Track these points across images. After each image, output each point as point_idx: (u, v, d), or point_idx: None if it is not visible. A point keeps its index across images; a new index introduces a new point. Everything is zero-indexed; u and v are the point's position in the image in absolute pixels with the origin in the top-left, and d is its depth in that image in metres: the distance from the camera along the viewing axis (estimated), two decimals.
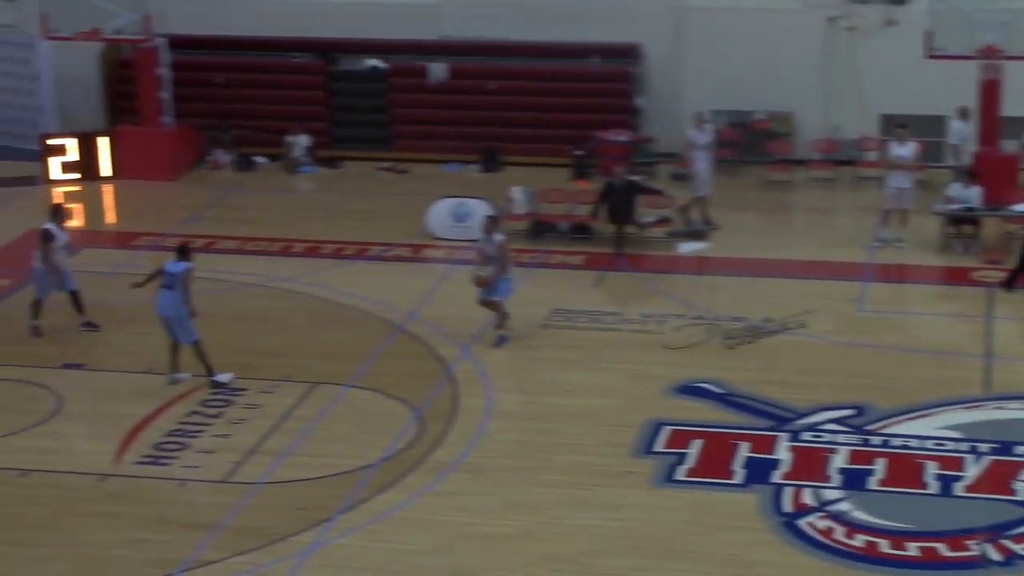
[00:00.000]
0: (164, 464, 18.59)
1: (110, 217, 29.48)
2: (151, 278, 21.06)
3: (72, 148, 30.54)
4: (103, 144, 30.69)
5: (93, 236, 27.75)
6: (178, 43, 31.51)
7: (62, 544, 16.76)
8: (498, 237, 21.88)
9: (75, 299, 22.50)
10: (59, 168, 30.52)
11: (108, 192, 30.25)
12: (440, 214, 27.04)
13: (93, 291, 21.08)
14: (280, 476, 18.27)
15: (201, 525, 17.07)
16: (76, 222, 28.69)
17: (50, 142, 30.71)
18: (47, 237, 22.18)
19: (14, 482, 18.21)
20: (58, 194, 29.55)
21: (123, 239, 27.04)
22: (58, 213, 22.71)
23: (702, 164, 27.12)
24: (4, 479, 18.26)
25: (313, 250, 26.47)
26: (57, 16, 30.33)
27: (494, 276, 21.76)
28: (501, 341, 21.89)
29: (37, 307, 22.42)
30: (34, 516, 17.37)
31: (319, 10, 32.10)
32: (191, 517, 17.30)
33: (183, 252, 20.71)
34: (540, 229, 26.85)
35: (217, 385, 20.50)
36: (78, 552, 16.60)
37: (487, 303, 21.93)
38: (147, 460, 18.71)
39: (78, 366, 21.33)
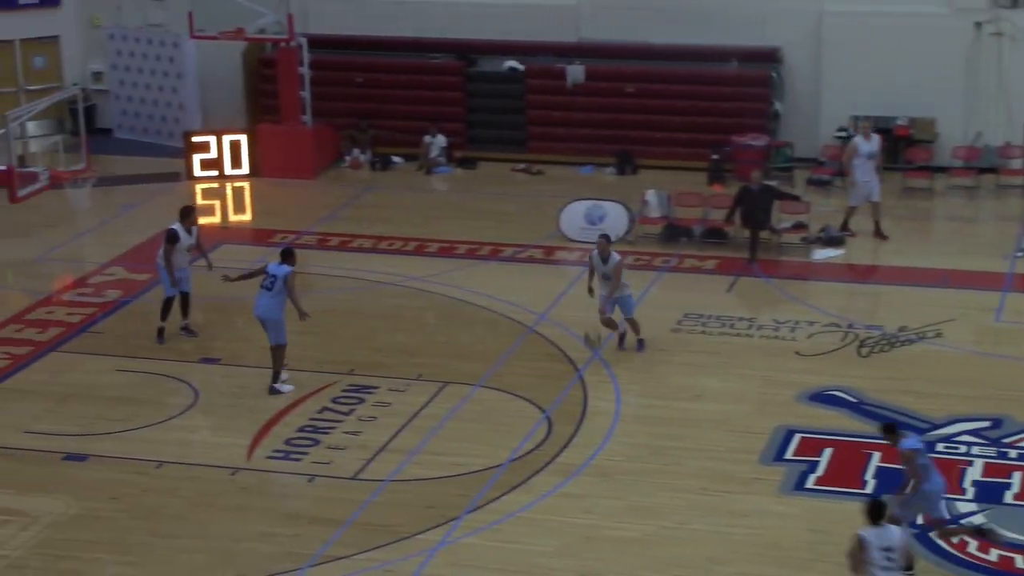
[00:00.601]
0: (295, 459, 18.83)
1: (248, 214, 29.89)
2: (246, 276, 21.18)
3: (213, 145, 31.02)
4: (243, 142, 31.13)
5: (231, 232, 28.21)
6: (319, 43, 31.87)
7: (196, 535, 17.06)
8: (615, 257, 21.49)
9: (184, 301, 22.55)
10: (200, 165, 31.01)
11: (247, 189, 30.68)
12: (574, 216, 27.02)
13: (229, 287, 21.32)
14: (409, 474, 18.41)
15: (330, 521, 17.26)
16: (215, 218, 29.29)
17: (193, 139, 31.23)
18: (172, 237, 22.17)
19: (151, 473, 18.57)
20: (192, 194, 30.07)
21: (260, 236, 27.41)
22: (187, 215, 22.57)
23: (862, 173, 26.64)
24: (142, 470, 18.64)
25: (447, 250, 26.60)
26: (203, 16, 30.85)
27: (614, 295, 21.43)
28: (641, 345, 21.83)
29: (167, 309, 22.45)
30: (171, 507, 17.70)
31: (458, 11, 32.25)
32: (320, 512, 17.50)
33: (287, 255, 20.71)
34: (674, 233, 26.73)
35: (274, 392, 20.63)
36: (211, 544, 16.88)
37: (631, 322, 21.76)
38: (279, 455, 18.97)
39: (215, 361, 21.65)
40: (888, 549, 14.13)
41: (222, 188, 30.67)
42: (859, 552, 14.18)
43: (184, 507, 17.71)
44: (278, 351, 20.63)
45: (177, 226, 22.33)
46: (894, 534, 14.30)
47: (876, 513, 14.37)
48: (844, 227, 26.66)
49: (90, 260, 26.53)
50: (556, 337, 22.39)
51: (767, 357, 21.68)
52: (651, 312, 23.30)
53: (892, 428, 16.12)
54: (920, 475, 15.72)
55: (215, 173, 30.99)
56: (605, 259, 21.48)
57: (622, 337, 21.94)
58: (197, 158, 31.01)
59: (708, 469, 18.22)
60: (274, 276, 20.47)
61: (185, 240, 22.30)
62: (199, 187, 30.61)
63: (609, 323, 21.75)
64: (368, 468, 18.57)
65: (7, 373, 21.57)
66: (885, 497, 15.30)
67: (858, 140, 26.95)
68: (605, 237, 22.00)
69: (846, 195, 27.50)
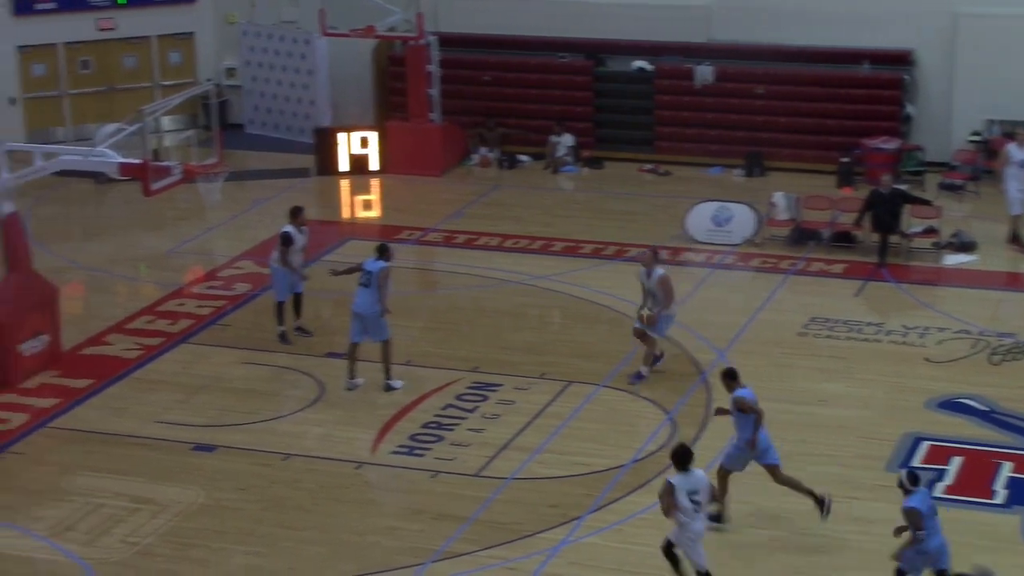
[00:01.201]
0: (418, 455, 18.95)
1: (376, 210, 30.13)
2: (349, 271, 21.31)
3: (343, 142, 31.30)
4: (373, 139, 31.39)
5: (358, 228, 28.45)
6: (448, 41, 32.04)
7: (320, 528, 17.25)
8: (658, 271, 20.80)
9: (297, 301, 22.63)
10: (330, 161, 31.28)
11: (375, 185, 30.92)
12: (701, 217, 26.90)
13: (353, 283, 21.40)
14: (531, 472, 18.45)
15: (453, 517, 17.36)
16: (343, 214, 29.62)
17: (323, 135, 31.53)
18: (286, 240, 22.22)
19: (278, 465, 18.81)
20: (321, 190, 30.45)
21: (387, 232, 27.54)
22: (297, 215, 22.55)
23: (1015, 181, 26.08)
24: (268, 462, 18.88)
25: (572, 249, 26.60)
26: (335, 13, 31.19)
27: (659, 312, 20.71)
28: (637, 378, 20.83)
29: (280, 313, 22.58)
30: (295, 500, 17.92)
31: (588, 11, 32.22)
32: (443, 508, 17.60)
33: (383, 251, 20.79)
34: (802, 235, 26.48)
35: (388, 388, 20.73)
36: (335, 537, 17.05)
37: (641, 335, 20.99)
38: (403, 450, 19.11)
39: (341, 355, 21.79)
40: (694, 492, 15.15)
41: (351, 184, 30.94)
42: (668, 496, 15.12)
43: (309, 500, 17.92)
44: (385, 347, 20.76)
45: (290, 228, 22.36)
46: (700, 479, 15.26)
47: (683, 459, 15.25)
48: (1014, 240, 26.03)
49: (220, 253, 26.93)
50: (681, 338, 22.28)
51: (895, 363, 21.41)
52: (777, 316, 23.19)
53: (733, 374, 16.97)
54: (759, 422, 16.68)
55: (345, 169, 31.27)
56: (649, 273, 20.87)
57: (657, 358, 21.08)
58: (327, 154, 31.31)
59: (833, 475, 18.02)
60: (369, 272, 20.59)
61: (299, 240, 22.37)
62: (328, 183, 30.91)
63: (643, 338, 20.96)
64: (491, 465, 18.64)
65: (139, 363, 21.98)
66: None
67: (1011, 148, 26.28)
68: (651, 249, 21.34)
69: (979, 200, 27.00)
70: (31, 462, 19.17)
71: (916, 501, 15.00)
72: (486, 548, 16.69)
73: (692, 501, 15.17)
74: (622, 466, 18.41)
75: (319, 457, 19.00)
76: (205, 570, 16.51)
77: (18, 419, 20.21)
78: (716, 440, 19.03)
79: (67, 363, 21.91)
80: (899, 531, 15.25)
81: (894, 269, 25.20)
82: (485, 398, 20.52)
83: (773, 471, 17.02)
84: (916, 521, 14.91)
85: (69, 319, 22.78)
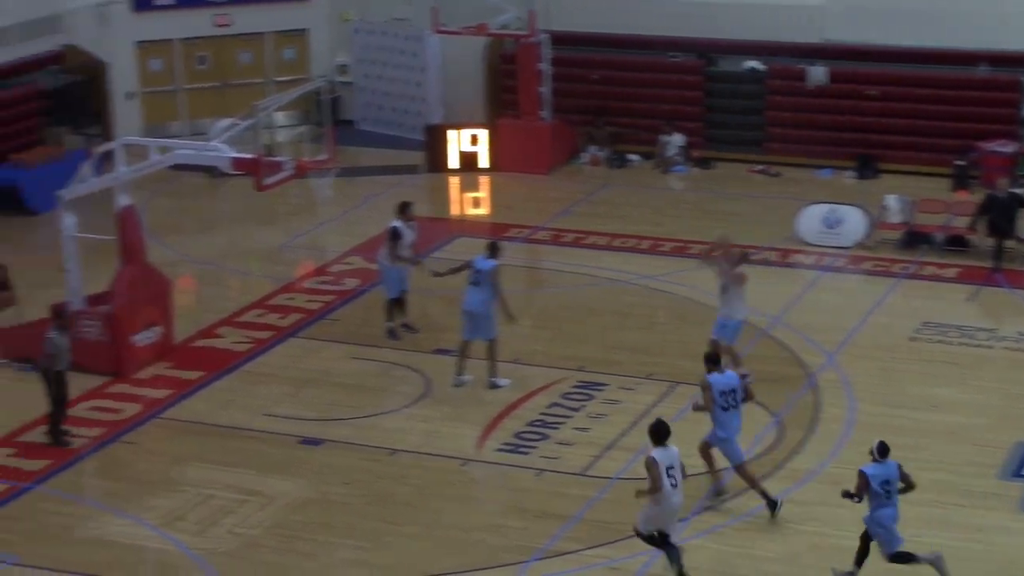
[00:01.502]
0: (523, 453, 18.99)
1: (485, 208, 30.22)
2: (455, 270, 21.34)
3: (453, 139, 31.43)
4: (483, 136, 31.48)
5: (467, 225, 28.54)
6: (560, 39, 32.02)
7: (425, 524, 17.35)
8: (738, 270, 20.53)
9: (402, 299, 22.78)
10: (440, 158, 31.42)
11: (485, 183, 31.00)
12: (811, 219, 26.68)
13: (461, 281, 21.47)
14: (636, 472, 18.30)
15: (557, 515, 17.38)
16: (453, 211, 29.74)
17: (433, 132, 31.67)
18: (395, 235, 22.31)
19: (384, 460, 18.95)
20: (431, 187, 30.59)
21: (495, 230, 27.56)
22: (405, 210, 22.64)
23: None
24: (375, 457, 19.02)
25: (681, 249, 26.49)
26: (447, 11, 31.35)
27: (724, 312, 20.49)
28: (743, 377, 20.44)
29: (391, 309, 22.77)
30: (401, 495, 18.04)
31: (700, 10, 32.06)
32: (547, 507, 17.63)
33: (493, 249, 20.79)
34: (914, 239, 26.17)
35: (492, 386, 20.72)
36: (439, 533, 17.15)
37: (716, 345, 20.50)
38: (507, 448, 19.15)
39: (448, 352, 21.88)
40: (670, 467, 15.47)
41: (461, 181, 31.05)
42: (655, 469, 15.39)
43: (414, 495, 18.03)
44: (491, 346, 20.80)
45: (398, 223, 22.45)
46: (675, 454, 15.60)
47: (660, 435, 15.56)
48: None
49: (330, 248, 27.16)
50: (789, 340, 22.14)
51: (1009, 369, 21.11)
52: (889, 319, 22.95)
53: (714, 359, 17.44)
54: (710, 409, 17.08)
55: (454, 166, 31.40)
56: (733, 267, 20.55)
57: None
58: (437, 151, 31.45)
59: (942, 482, 17.81)
60: (480, 271, 20.60)
61: (407, 236, 22.44)
62: (438, 180, 31.05)
63: (715, 346, 20.50)
64: (596, 465, 18.64)
65: (249, 356, 22.24)
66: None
67: None
68: (744, 251, 21.16)
69: None
70: (143, 452, 19.51)
71: (871, 469, 15.43)
72: (590, 547, 16.70)
73: (668, 475, 15.42)
74: (727, 469, 18.28)
75: (425, 453, 19.10)
76: (311, 563, 16.68)
77: (131, 409, 20.56)
78: (823, 444, 18.94)
79: (179, 355, 22.24)
80: (846, 494, 15.66)
81: (1009, 274, 24.81)
82: (591, 397, 20.52)
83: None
84: (859, 484, 15.44)
85: (181, 311, 23.09)
